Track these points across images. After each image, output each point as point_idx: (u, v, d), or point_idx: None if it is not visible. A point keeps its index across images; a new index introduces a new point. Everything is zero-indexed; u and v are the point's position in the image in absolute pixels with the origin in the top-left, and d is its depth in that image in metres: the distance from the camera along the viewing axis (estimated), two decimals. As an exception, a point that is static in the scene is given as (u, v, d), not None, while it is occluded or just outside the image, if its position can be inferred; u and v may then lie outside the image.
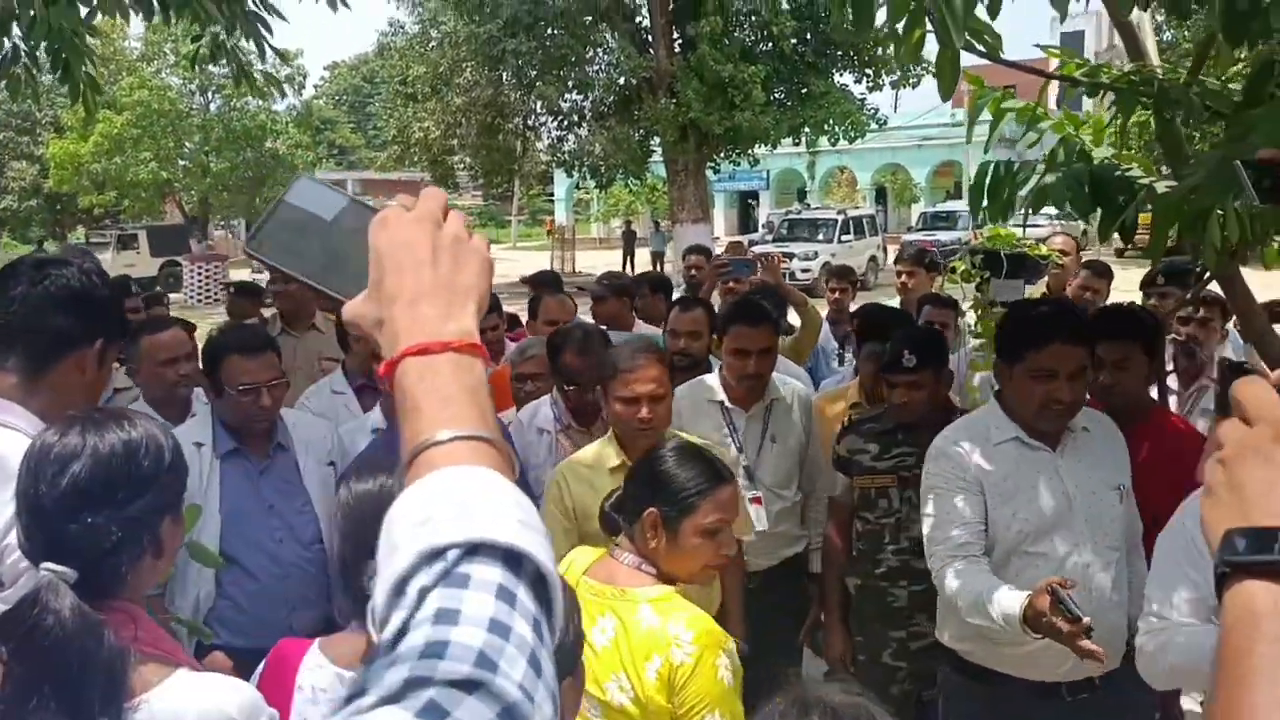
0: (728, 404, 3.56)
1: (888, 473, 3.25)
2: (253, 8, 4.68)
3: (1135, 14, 2.82)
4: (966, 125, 2.89)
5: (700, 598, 2.98)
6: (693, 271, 6.45)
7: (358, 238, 0.90)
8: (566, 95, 20.76)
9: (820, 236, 24.20)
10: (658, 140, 19.73)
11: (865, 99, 20.89)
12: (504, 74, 20.38)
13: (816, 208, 30.44)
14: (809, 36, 19.35)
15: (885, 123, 22.32)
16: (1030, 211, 2.96)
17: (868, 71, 20.02)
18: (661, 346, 4.62)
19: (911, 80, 20.43)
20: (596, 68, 20.48)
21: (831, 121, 19.71)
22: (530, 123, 22.50)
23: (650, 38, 19.27)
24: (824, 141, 21.22)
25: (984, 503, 2.68)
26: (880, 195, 41.46)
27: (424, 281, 0.86)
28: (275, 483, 3.03)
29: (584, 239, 40.45)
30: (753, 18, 18.85)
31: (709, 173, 21.02)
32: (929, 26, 2.28)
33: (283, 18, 4.84)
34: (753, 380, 3.56)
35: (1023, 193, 2.92)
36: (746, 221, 43.30)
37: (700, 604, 2.96)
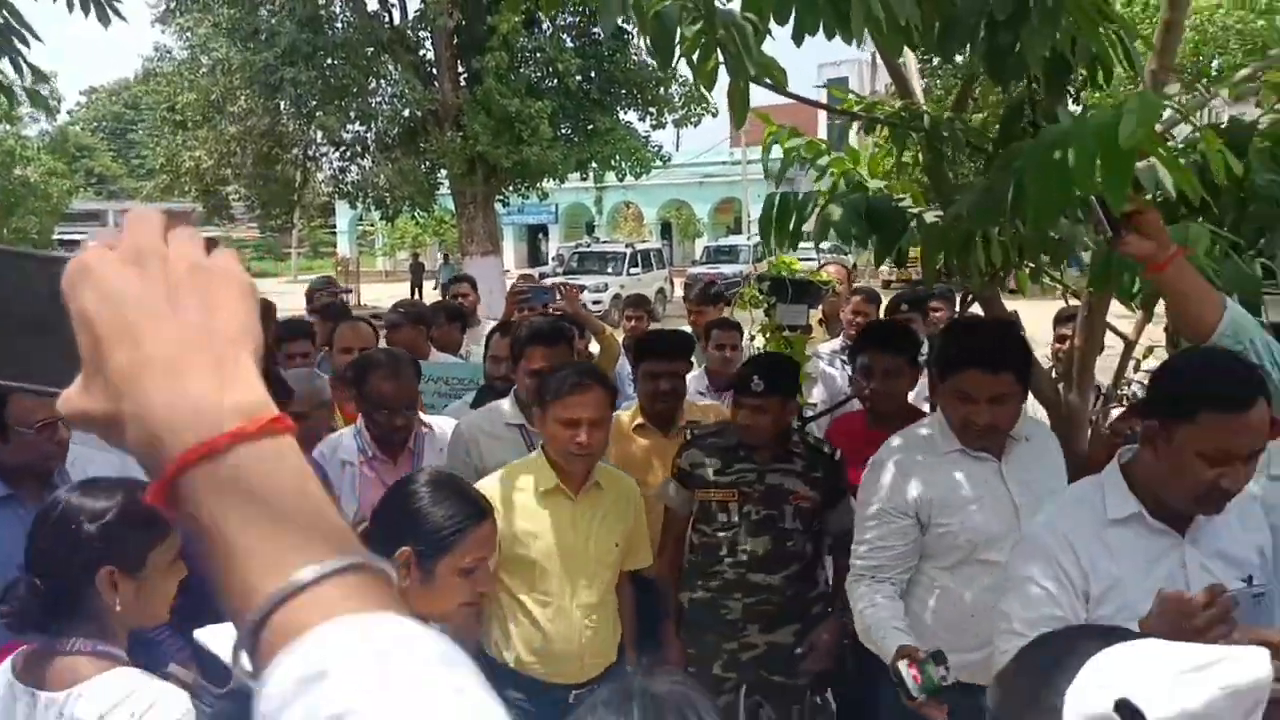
0: (528, 426, 3.54)
1: (729, 487, 3.31)
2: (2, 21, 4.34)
3: (904, 55, 3.05)
4: (762, 159, 3.03)
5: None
6: (459, 300, 6.41)
7: (55, 303, 0.65)
8: (349, 126, 20.15)
9: (610, 269, 24.80)
10: (445, 173, 19.53)
11: (649, 137, 21.42)
12: (282, 103, 19.60)
13: (605, 241, 31.00)
14: (594, 74, 19.72)
15: (669, 160, 22.94)
16: (815, 241, 3.14)
17: (651, 110, 20.57)
18: (480, 374, 4.61)
19: (693, 120, 21.11)
20: (380, 99, 20.04)
21: (618, 157, 20.10)
22: (311, 153, 21.73)
23: (435, 70, 19.09)
24: (610, 177, 21.59)
25: (917, 525, 2.72)
26: (666, 230, 42.63)
27: (168, 341, 0.59)
28: (53, 529, 2.80)
29: (369, 271, 39.45)
30: (538, 54, 19.00)
31: (498, 206, 20.97)
32: (721, 59, 2.39)
33: (37, 37, 4.54)
34: None
35: (807, 226, 3.09)
36: (536, 255, 43.53)
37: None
